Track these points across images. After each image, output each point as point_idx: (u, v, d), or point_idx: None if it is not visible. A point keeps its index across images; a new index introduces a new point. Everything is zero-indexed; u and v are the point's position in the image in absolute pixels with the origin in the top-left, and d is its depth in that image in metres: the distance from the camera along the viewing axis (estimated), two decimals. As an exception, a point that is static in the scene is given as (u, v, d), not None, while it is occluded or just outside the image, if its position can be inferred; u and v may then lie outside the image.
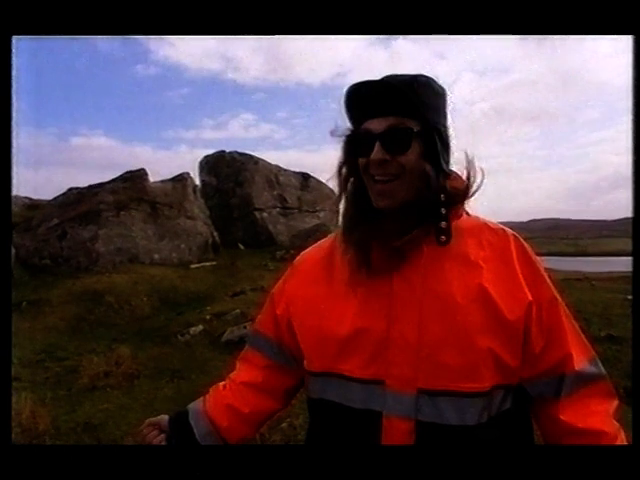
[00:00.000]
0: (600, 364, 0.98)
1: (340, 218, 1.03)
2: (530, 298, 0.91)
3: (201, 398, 1.19)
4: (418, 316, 0.90)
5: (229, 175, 15.02)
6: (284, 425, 3.51)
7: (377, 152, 0.90)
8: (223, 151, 15.69)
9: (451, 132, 0.98)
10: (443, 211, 0.93)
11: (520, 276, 0.93)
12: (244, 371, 1.17)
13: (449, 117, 0.99)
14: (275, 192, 15.15)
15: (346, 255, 0.97)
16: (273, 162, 15.85)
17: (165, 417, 1.15)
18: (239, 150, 15.69)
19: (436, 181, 0.92)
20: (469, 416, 0.87)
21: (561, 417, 0.94)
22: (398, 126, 0.91)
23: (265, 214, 14.49)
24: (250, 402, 1.12)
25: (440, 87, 0.97)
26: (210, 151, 16.47)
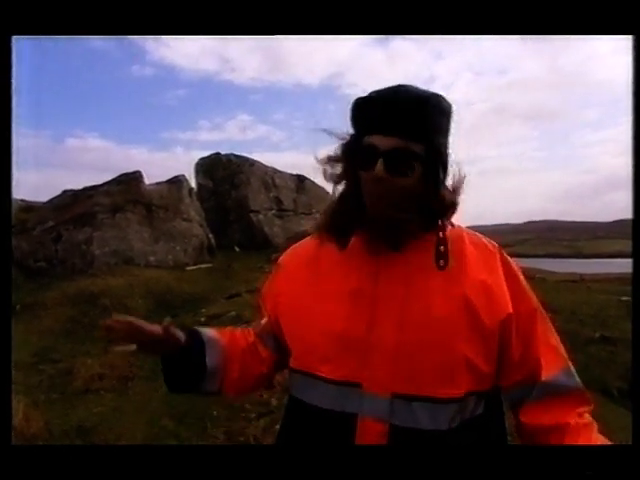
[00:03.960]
0: (576, 376, 0.99)
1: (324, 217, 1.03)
2: (511, 309, 0.93)
3: (216, 331, 1.14)
4: (399, 322, 0.91)
5: (225, 177, 15.00)
6: (278, 427, 3.50)
7: (379, 170, 0.90)
8: (219, 153, 15.68)
9: (450, 151, 0.98)
10: (441, 234, 0.95)
11: (505, 286, 0.95)
12: (239, 337, 1.15)
13: (451, 134, 0.99)
14: (271, 194, 15.14)
15: (331, 249, 0.99)
16: (270, 164, 15.87)
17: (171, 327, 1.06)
18: (236, 152, 15.71)
19: (432, 200, 0.94)
20: (442, 421, 0.89)
21: (522, 419, 0.98)
22: (403, 148, 0.90)
23: (261, 216, 14.48)
24: (256, 364, 1.12)
25: (448, 105, 0.96)
26: (207, 153, 16.47)
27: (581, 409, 0.97)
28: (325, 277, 0.99)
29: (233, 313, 7.24)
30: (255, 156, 16.03)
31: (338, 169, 1.01)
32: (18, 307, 7.99)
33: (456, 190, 0.97)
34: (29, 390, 4.90)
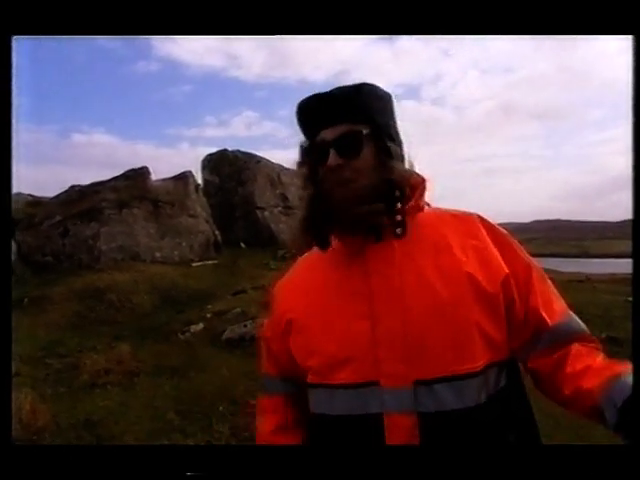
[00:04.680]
0: (579, 321, 1.00)
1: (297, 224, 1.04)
2: (507, 270, 0.94)
3: None
4: (401, 310, 0.91)
5: (231, 174, 15.04)
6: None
7: (332, 158, 0.94)
8: (225, 150, 15.71)
9: (401, 132, 1.03)
10: (398, 205, 0.96)
11: (494, 250, 0.96)
12: (265, 422, 1.15)
13: (397, 120, 1.04)
14: (277, 191, 15.16)
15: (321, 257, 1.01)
16: (276, 161, 15.87)
17: None
18: (242, 148, 15.72)
19: (391, 177, 0.95)
20: (468, 398, 0.88)
21: (530, 366, 0.98)
22: (348, 132, 0.95)
23: (267, 213, 14.50)
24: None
25: (385, 92, 1.02)
26: (212, 149, 16.45)
27: (595, 349, 0.96)
28: (320, 287, 1.01)
29: (238, 309, 7.27)
30: (261, 153, 16.04)
31: (304, 171, 1.04)
32: (25, 301, 8.06)
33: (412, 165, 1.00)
34: (36, 384, 4.95)
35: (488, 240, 0.97)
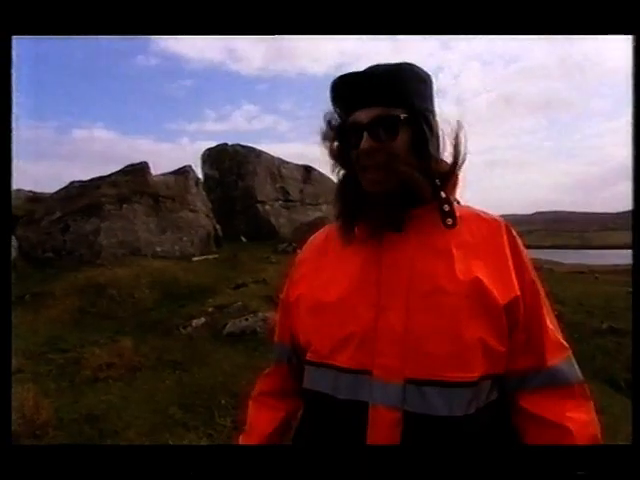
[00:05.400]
0: (576, 366, 0.97)
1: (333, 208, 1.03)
2: (517, 288, 0.91)
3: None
4: (406, 305, 0.89)
5: (231, 168, 15.02)
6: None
7: (365, 142, 0.91)
8: (225, 144, 15.69)
9: (438, 117, 0.98)
10: (443, 195, 0.93)
11: (511, 265, 0.93)
12: (262, 383, 1.19)
13: (435, 102, 0.99)
14: (277, 185, 15.15)
15: (337, 237, 0.99)
16: (276, 154, 15.84)
17: None
18: (242, 142, 15.70)
19: (427, 166, 0.93)
20: (457, 407, 0.86)
21: (522, 405, 0.94)
22: (384, 115, 0.91)
23: (267, 207, 14.50)
24: (277, 406, 1.14)
25: (424, 73, 0.97)
26: (213, 143, 16.43)
27: (585, 407, 0.94)
28: (332, 266, 0.99)
29: (239, 303, 7.28)
30: (261, 146, 16.05)
31: (334, 147, 1.02)
32: (27, 297, 8.07)
33: (456, 156, 0.96)
34: (38, 379, 4.97)
35: (508, 253, 0.94)
